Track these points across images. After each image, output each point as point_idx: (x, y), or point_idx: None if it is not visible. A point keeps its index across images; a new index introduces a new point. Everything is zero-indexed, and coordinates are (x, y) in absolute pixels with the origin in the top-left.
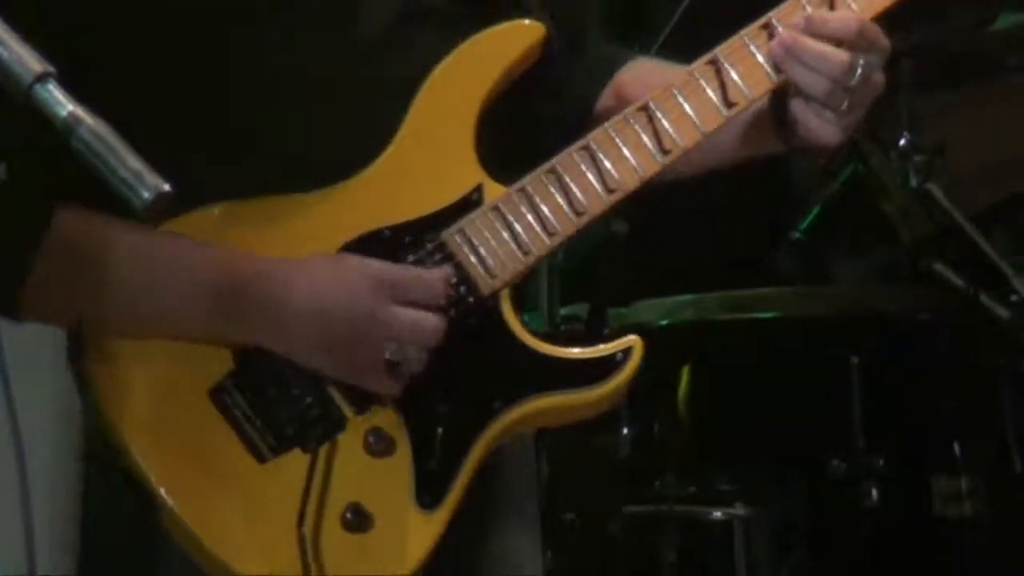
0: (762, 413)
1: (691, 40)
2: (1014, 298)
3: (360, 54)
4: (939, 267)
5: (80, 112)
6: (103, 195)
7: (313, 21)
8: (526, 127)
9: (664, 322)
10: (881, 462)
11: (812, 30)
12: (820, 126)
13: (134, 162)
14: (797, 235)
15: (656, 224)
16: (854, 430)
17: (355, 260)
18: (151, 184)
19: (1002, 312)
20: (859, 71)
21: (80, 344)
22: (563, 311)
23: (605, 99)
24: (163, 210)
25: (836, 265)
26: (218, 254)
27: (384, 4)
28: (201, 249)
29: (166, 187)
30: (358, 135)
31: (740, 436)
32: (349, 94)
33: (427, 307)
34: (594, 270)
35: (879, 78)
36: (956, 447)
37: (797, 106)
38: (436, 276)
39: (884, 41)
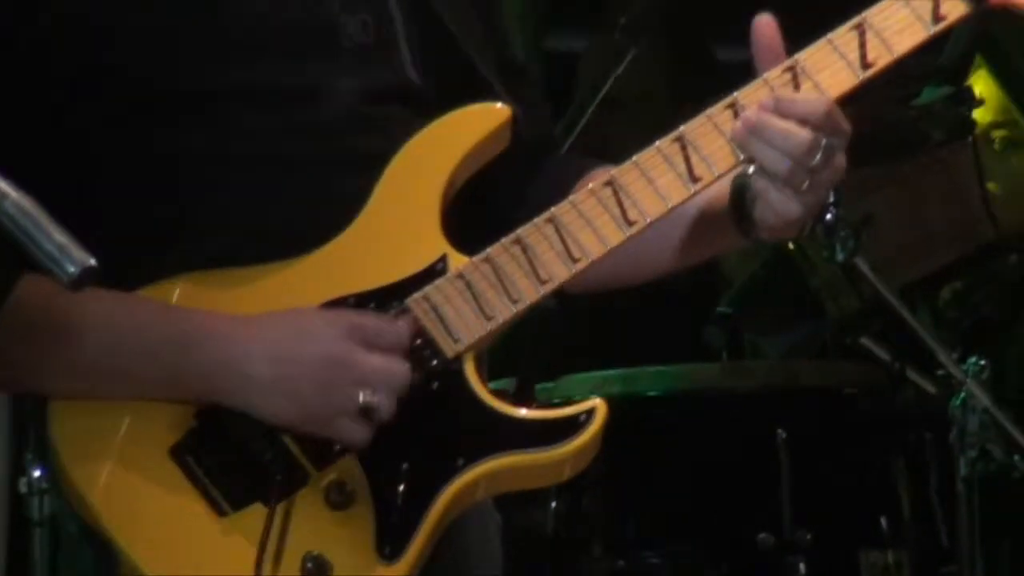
0: (690, 487)
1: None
2: (940, 372)
3: (324, 133)
4: (866, 341)
5: (4, 186)
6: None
7: (277, 103)
8: (496, 223)
9: (591, 397)
10: (809, 536)
11: (780, 109)
12: (780, 200)
13: (59, 236)
14: (724, 310)
15: (584, 299)
16: (782, 504)
17: (321, 311)
18: (77, 258)
19: (928, 386)
20: (821, 152)
21: (42, 404)
22: (491, 385)
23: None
24: (89, 284)
25: (763, 339)
26: (177, 313)
27: (348, 85)
28: (161, 309)
29: (92, 261)
30: (324, 209)
31: (668, 510)
32: (315, 170)
33: (393, 353)
34: (522, 344)
35: (841, 161)
36: (883, 521)
37: (758, 182)
38: (401, 324)
39: (847, 124)
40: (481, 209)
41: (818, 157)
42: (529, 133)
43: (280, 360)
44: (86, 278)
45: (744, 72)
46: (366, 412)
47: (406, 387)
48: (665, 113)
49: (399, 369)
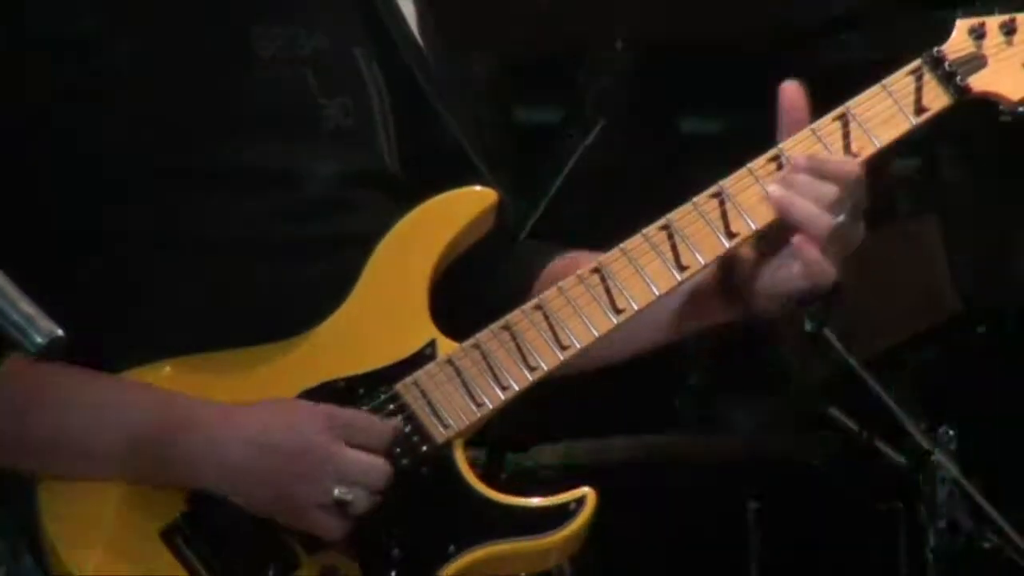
0: (660, 559)
1: None
2: (909, 443)
3: (301, 216)
4: (834, 412)
5: None
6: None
7: (255, 186)
8: (466, 305)
9: (557, 464)
10: None
11: (814, 167)
12: (771, 271)
13: (26, 306)
14: (695, 381)
15: None
16: (752, 575)
17: (305, 403)
18: (44, 329)
19: (897, 457)
20: (848, 211)
21: (33, 487)
22: None
23: (541, 282)
24: (56, 355)
25: (734, 411)
26: (163, 398)
27: (326, 169)
28: (146, 393)
29: (59, 332)
30: (299, 291)
31: None
32: (291, 252)
33: (376, 452)
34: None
35: (860, 229)
36: None
37: (751, 252)
38: (388, 425)
39: (863, 193)
40: (455, 290)
41: (844, 216)
42: (505, 217)
43: (260, 448)
44: (53, 348)
45: (707, 145)
46: (340, 506)
47: (384, 485)
48: (629, 187)
49: (380, 467)
